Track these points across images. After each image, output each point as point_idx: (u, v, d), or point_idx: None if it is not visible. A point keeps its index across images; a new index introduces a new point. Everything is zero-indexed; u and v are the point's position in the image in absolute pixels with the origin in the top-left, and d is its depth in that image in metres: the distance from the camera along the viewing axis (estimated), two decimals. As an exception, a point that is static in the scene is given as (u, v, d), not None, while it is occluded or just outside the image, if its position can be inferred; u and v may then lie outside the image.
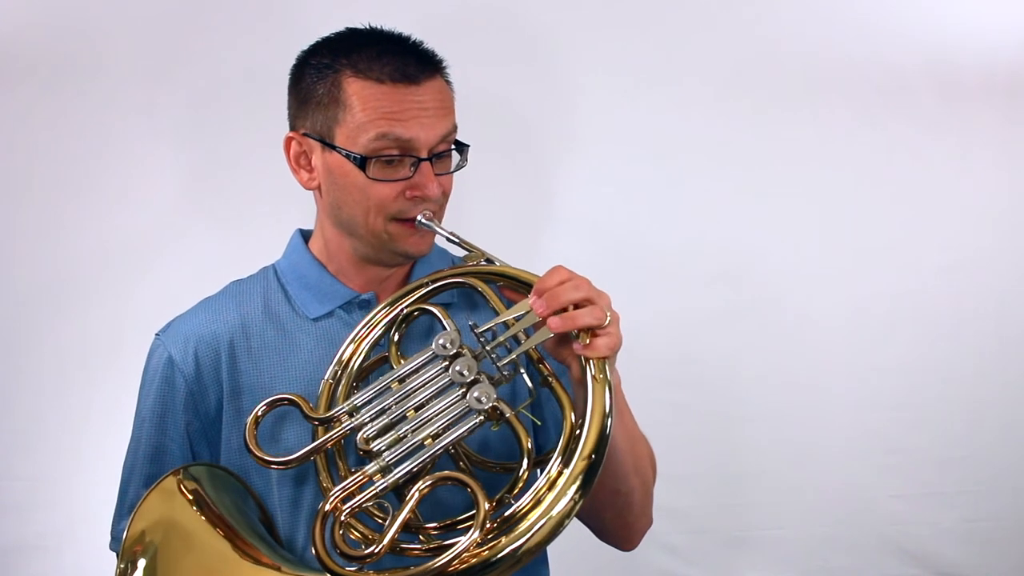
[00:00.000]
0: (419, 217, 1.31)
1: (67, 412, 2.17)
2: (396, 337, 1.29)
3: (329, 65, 1.31)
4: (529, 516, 1.12)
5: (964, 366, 2.24)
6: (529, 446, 1.20)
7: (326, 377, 1.29)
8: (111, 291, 2.17)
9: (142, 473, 1.37)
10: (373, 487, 1.18)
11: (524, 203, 2.22)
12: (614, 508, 1.37)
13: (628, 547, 1.46)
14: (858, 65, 2.21)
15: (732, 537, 2.27)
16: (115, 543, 1.35)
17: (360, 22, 1.37)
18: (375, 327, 1.30)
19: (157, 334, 1.41)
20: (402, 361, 1.26)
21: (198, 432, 1.38)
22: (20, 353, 2.17)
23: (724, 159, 2.21)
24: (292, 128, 1.37)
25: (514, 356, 1.20)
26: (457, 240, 1.31)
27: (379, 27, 1.36)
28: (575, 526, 1.42)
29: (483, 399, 1.18)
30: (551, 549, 1.45)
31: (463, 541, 1.11)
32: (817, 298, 2.24)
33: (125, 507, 1.38)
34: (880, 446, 2.25)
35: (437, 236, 1.35)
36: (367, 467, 1.19)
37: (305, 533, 1.32)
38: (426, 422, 1.19)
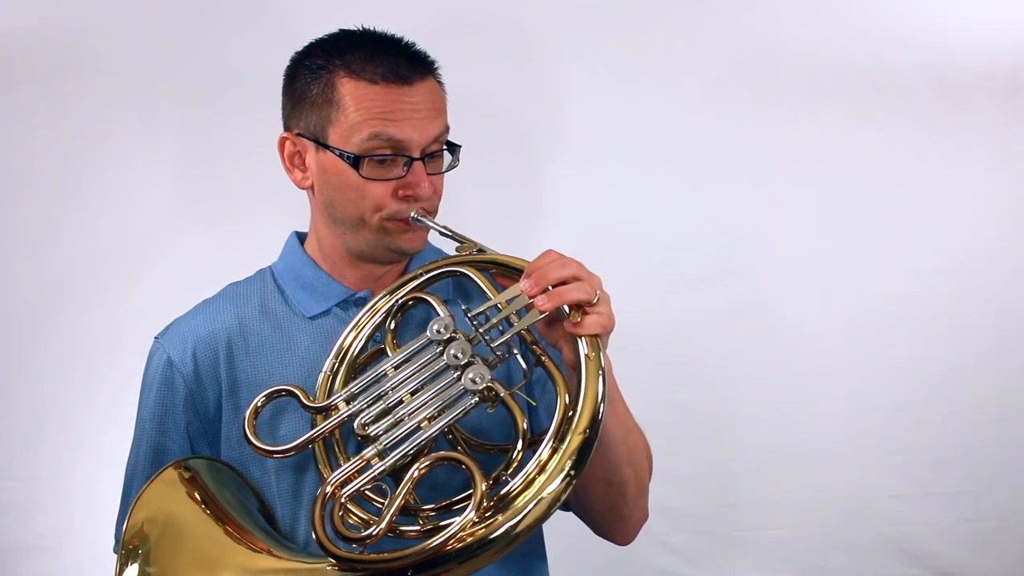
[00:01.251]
0: (412, 213, 1.33)
1: (67, 412, 2.17)
2: (392, 326, 1.30)
3: (323, 66, 1.33)
4: (524, 494, 1.13)
5: (964, 366, 2.23)
6: (524, 426, 1.20)
7: (324, 369, 1.29)
8: (111, 291, 2.17)
9: (144, 475, 1.37)
10: (371, 470, 1.18)
11: (521, 204, 2.22)
12: (607, 500, 1.37)
13: (624, 541, 1.46)
14: (858, 65, 2.21)
15: (732, 537, 2.27)
16: (119, 546, 1.35)
17: (354, 23, 1.38)
18: (376, 313, 1.31)
19: (156, 337, 1.42)
20: (398, 349, 1.26)
21: (198, 432, 1.39)
22: (20, 353, 2.17)
23: (723, 159, 2.21)
24: (286, 128, 1.39)
25: (506, 337, 1.21)
26: (450, 233, 1.32)
27: (371, 28, 1.37)
28: (574, 525, 1.43)
29: (477, 380, 1.19)
30: (551, 547, 1.46)
31: (459, 520, 1.12)
32: (817, 298, 2.23)
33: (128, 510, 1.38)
34: (880, 446, 2.24)
35: (431, 233, 1.36)
36: (365, 451, 1.19)
37: (306, 524, 1.33)
38: (422, 405, 1.20)
